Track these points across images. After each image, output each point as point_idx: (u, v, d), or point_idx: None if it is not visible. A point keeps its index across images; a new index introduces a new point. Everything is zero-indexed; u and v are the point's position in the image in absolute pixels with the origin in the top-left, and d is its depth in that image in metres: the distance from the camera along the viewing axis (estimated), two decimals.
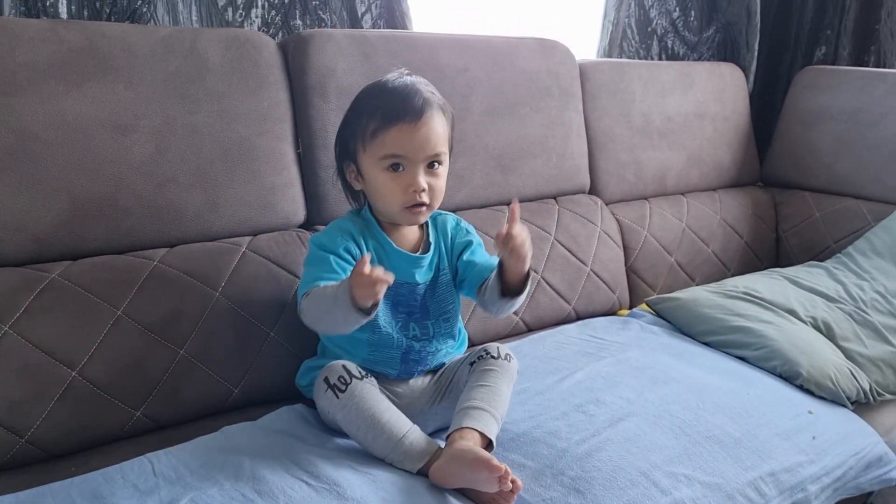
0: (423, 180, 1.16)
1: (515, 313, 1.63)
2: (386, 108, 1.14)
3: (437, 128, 1.16)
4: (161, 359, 1.20)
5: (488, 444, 1.10)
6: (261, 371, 1.29)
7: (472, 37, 1.70)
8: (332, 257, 1.16)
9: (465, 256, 1.28)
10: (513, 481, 1.02)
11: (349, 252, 1.19)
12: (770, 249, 2.22)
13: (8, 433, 1.09)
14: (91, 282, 1.19)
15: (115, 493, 0.99)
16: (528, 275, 1.17)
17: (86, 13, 1.45)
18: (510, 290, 1.17)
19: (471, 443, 1.06)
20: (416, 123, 1.14)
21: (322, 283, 1.12)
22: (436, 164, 1.18)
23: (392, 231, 1.24)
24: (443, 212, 1.30)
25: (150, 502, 0.97)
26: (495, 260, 1.22)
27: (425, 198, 1.17)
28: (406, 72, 1.22)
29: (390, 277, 1.00)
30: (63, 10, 1.42)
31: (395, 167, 1.15)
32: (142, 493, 0.99)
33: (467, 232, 1.31)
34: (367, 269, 0.99)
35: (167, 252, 1.28)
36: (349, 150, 1.20)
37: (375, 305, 1.05)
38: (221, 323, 1.26)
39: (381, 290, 1.01)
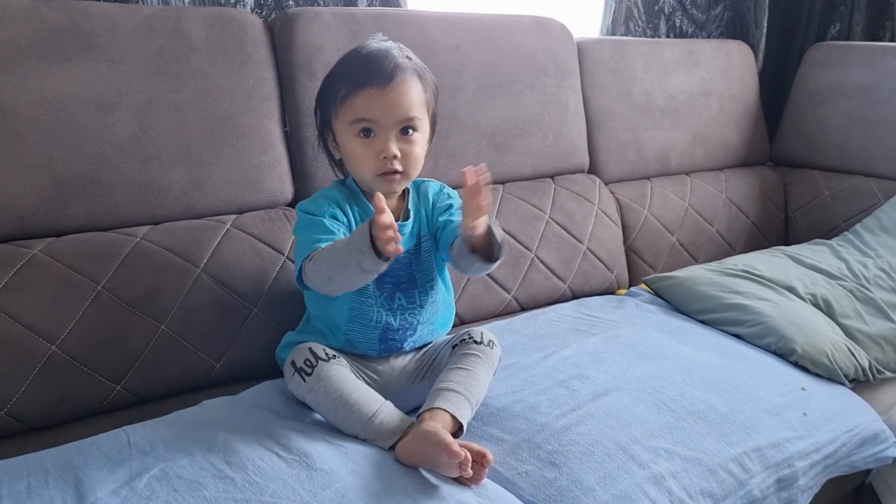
0: (394, 147, 1.13)
1: (507, 291, 1.61)
2: (356, 73, 1.13)
3: (410, 92, 1.14)
4: (142, 333, 1.21)
5: (459, 428, 1.09)
6: (243, 346, 1.29)
7: (465, 14, 1.69)
8: (324, 220, 1.15)
9: (445, 216, 1.25)
10: (483, 455, 1.01)
11: (335, 218, 1.17)
12: (779, 229, 2.18)
13: None
14: (72, 257, 1.20)
15: (87, 463, 1.00)
16: (491, 235, 1.10)
17: None
18: (477, 248, 1.13)
19: (439, 424, 1.04)
20: (386, 87, 1.12)
21: (323, 245, 1.11)
22: (410, 129, 1.15)
23: (374, 199, 1.22)
24: (426, 178, 1.29)
25: (120, 472, 0.98)
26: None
27: (397, 165, 1.14)
28: (383, 37, 1.21)
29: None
30: None
31: (365, 132, 1.14)
32: (114, 463, 1.00)
33: (449, 196, 1.28)
34: (388, 217, 0.97)
35: (150, 229, 1.29)
36: (326, 117, 1.19)
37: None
38: (203, 299, 1.26)
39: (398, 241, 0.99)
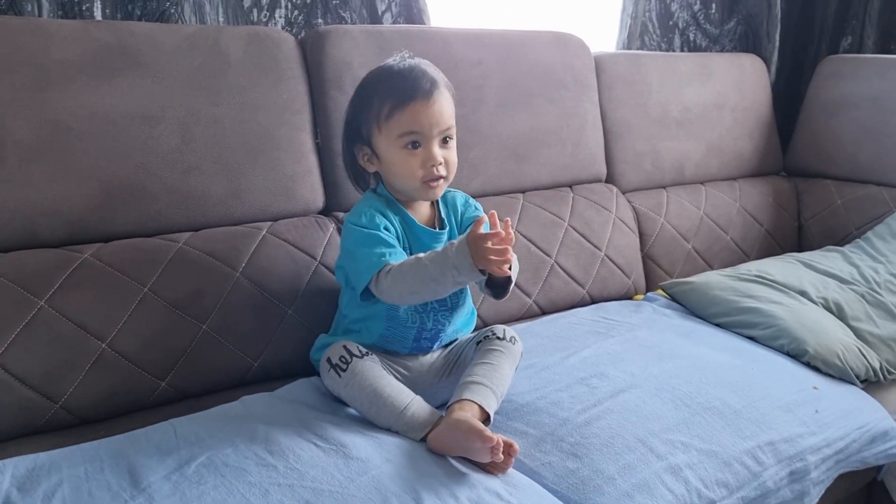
0: (439, 153, 1.22)
1: (528, 296, 1.67)
2: (399, 89, 1.21)
3: (446, 104, 1.23)
4: (185, 333, 1.28)
5: (486, 418, 1.15)
6: (279, 346, 1.36)
7: (487, 31, 1.76)
8: (381, 233, 1.22)
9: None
10: (510, 446, 1.08)
11: (387, 230, 1.24)
12: (792, 237, 2.23)
13: (43, 399, 1.18)
14: (120, 261, 1.27)
15: (139, 452, 1.06)
16: (508, 278, 1.17)
17: (119, 15, 1.54)
18: (492, 283, 1.19)
19: (468, 414, 1.11)
20: (429, 101, 1.20)
21: (390, 258, 1.17)
22: (447, 138, 1.24)
23: (409, 208, 1.29)
24: (451, 189, 1.36)
25: (169, 460, 1.04)
26: None
27: (442, 170, 1.23)
28: (408, 54, 1.28)
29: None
30: (98, 12, 1.52)
31: (414, 145, 1.22)
32: (163, 452, 1.07)
33: (476, 208, 1.36)
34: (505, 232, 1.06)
35: (192, 235, 1.36)
36: (361, 134, 1.26)
37: None
38: (241, 301, 1.33)
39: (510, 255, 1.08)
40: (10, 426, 1.16)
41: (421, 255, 1.16)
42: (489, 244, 1.05)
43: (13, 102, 1.23)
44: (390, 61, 1.26)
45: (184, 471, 1.02)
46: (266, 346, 1.35)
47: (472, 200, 1.37)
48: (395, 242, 1.22)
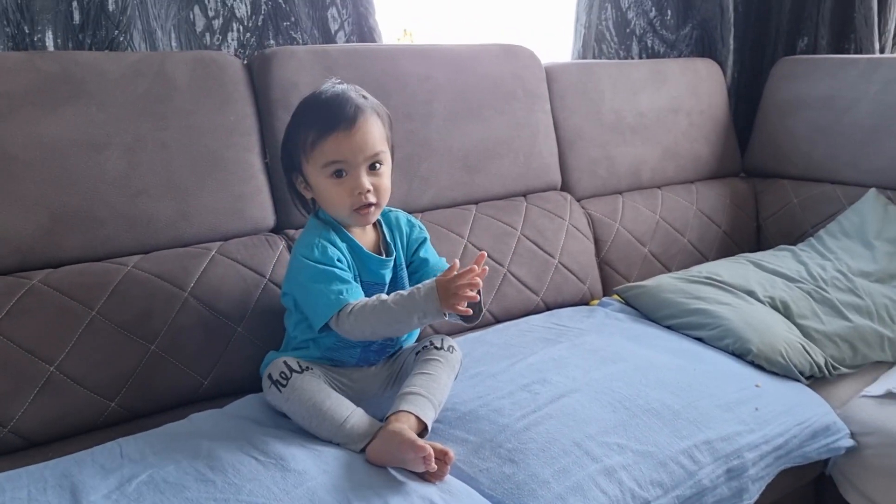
0: (366, 181, 1.24)
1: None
2: (321, 118, 1.23)
3: (373, 130, 1.25)
4: (133, 354, 1.31)
5: (424, 429, 1.17)
6: (229, 363, 1.39)
7: (434, 46, 1.80)
8: (336, 270, 1.24)
9: (421, 253, 1.37)
10: (445, 453, 1.10)
11: (339, 261, 1.26)
12: (750, 238, 2.26)
13: None
14: (68, 286, 1.30)
15: (83, 472, 1.09)
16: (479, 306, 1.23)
17: (70, 44, 1.58)
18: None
19: (405, 425, 1.13)
20: (351, 130, 1.22)
21: (348, 296, 1.21)
22: (377, 164, 1.26)
23: (354, 233, 1.31)
24: (391, 208, 1.39)
25: (111, 479, 1.07)
26: (443, 261, 1.32)
27: (371, 198, 1.25)
28: (337, 81, 1.31)
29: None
30: (50, 43, 1.55)
31: (338, 174, 1.24)
32: (107, 471, 1.09)
33: (420, 229, 1.39)
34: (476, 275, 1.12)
35: (141, 258, 1.39)
36: (294, 162, 1.29)
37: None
38: (190, 320, 1.36)
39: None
40: None
41: (384, 297, 1.20)
42: (461, 285, 1.11)
43: None
44: (321, 88, 1.29)
45: (124, 489, 1.05)
46: (216, 364, 1.38)
47: (415, 220, 1.40)
48: (349, 277, 1.25)
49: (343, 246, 1.28)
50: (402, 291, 1.20)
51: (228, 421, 1.25)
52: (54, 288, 1.29)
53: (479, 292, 1.17)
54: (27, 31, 1.52)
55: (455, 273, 1.13)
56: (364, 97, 1.28)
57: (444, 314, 1.15)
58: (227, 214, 1.49)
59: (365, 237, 1.33)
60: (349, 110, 1.23)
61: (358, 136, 1.23)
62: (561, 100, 1.98)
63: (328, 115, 1.23)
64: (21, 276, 1.30)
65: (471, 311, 1.16)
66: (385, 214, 1.37)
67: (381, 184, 1.27)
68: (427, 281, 1.17)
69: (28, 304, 1.26)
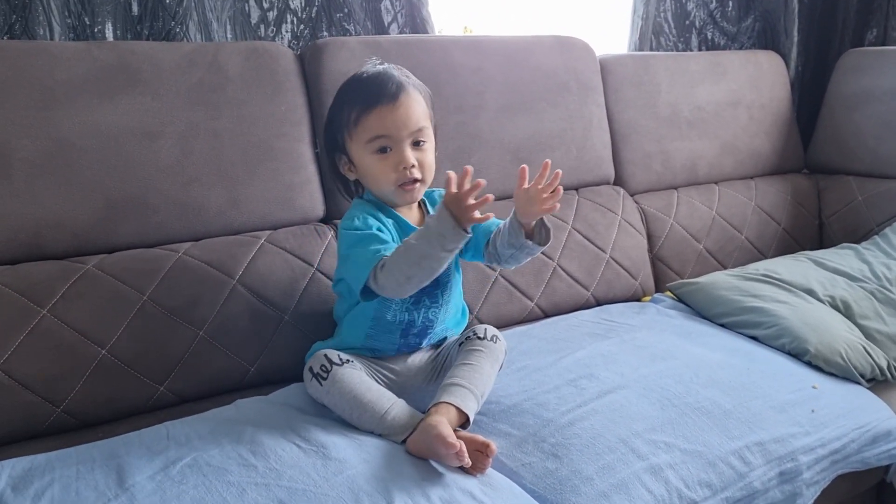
0: (411, 156, 1.24)
1: (530, 299, 1.68)
2: (364, 95, 1.24)
3: (416, 106, 1.25)
4: (182, 339, 1.33)
5: (466, 420, 1.16)
6: (275, 351, 1.40)
7: (486, 37, 1.78)
8: (374, 232, 1.23)
9: None
10: (487, 446, 1.09)
11: (380, 230, 1.25)
12: (812, 236, 2.19)
13: (46, 403, 1.23)
14: (121, 271, 1.33)
15: (129, 453, 1.11)
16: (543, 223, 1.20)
17: (129, 35, 1.61)
18: (530, 235, 1.20)
19: (443, 417, 1.12)
20: (395, 104, 1.22)
21: (385, 252, 1.19)
22: (420, 140, 1.26)
23: (402, 211, 1.31)
24: (438, 188, 1.37)
25: (157, 461, 1.09)
26: (494, 222, 1.28)
27: (416, 173, 1.24)
28: (378, 61, 1.31)
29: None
30: (109, 34, 1.59)
31: (382, 150, 1.24)
32: (153, 453, 1.11)
33: None
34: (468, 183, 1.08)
35: (192, 245, 1.41)
36: (338, 142, 1.29)
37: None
38: (238, 308, 1.37)
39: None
40: (14, 429, 1.22)
41: (407, 238, 1.18)
42: (464, 191, 1.07)
43: (19, 122, 1.30)
44: (362, 69, 1.29)
45: (168, 471, 1.06)
46: (262, 352, 1.39)
47: None
48: (388, 239, 1.24)
49: (389, 222, 1.28)
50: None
51: (272, 408, 1.26)
52: (108, 273, 1.32)
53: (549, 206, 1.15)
54: (88, 23, 1.56)
55: (454, 187, 1.09)
56: (406, 76, 1.28)
57: (465, 230, 1.10)
58: (277, 203, 1.50)
59: (411, 215, 1.32)
60: (391, 86, 1.23)
61: (402, 110, 1.23)
62: (615, 92, 1.95)
63: (371, 91, 1.24)
64: (76, 261, 1.33)
65: (491, 216, 1.11)
66: (429, 194, 1.36)
67: (426, 160, 1.27)
68: (438, 205, 1.15)
69: (82, 289, 1.29)
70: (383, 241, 1.22)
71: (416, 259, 1.13)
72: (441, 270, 1.17)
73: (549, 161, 1.15)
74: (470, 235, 1.12)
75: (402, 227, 1.29)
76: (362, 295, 1.22)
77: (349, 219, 1.28)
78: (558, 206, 1.15)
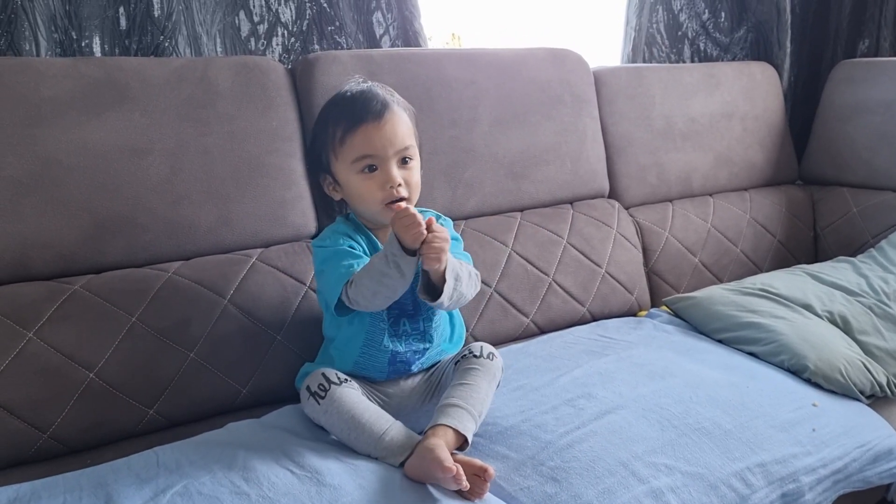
0: (397, 174, 1.22)
1: (525, 315, 1.66)
2: (349, 113, 1.22)
3: (401, 124, 1.24)
4: (172, 361, 1.30)
5: (465, 442, 1.14)
6: (268, 372, 1.37)
7: (479, 50, 1.77)
8: (344, 248, 1.23)
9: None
10: (485, 470, 1.07)
11: (351, 247, 1.25)
12: (808, 247, 2.18)
13: (31, 429, 1.20)
14: (109, 292, 1.30)
15: (118, 481, 1.08)
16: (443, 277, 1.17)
17: (117, 51, 1.58)
18: (429, 287, 1.19)
19: (441, 440, 1.09)
20: (380, 122, 1.21)
21: (357, 268, 1.18)
22: (407, 159, 1.25)
23: (379, 234, 1.30)
24: (422, 208, 1.35)
25: (147, 489, 1.06)
26: (466, 256, 1.28)
27: (403, 192, 1.23)
28: (361, 79, 1.30)
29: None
30: (97, 49, 1.56)
31: (370, 168, 1.22)
32: (142, 481, 1.08)
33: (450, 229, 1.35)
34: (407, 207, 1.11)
35: (182, 264, 1.39)
36: (322, 162, 1.28)
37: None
38: (229, 328, 1.35)
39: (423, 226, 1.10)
40: None
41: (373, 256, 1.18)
42: (400, 215, 1.10)
43: (4, 139, 1.27)
44: (344, 87, 1.28)
45: (158, 500, 1.03)
46: (254, 373, 1.37)
47: (443, 219, 1.36)
48: (359, 254, 1.23)
49: (362, 240, 1.27)
50: None
51: (265, 431, 1.23)
52: (95, 294, 1.29)
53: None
54: (75, 37, 1.54)
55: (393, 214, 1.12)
56: (390, 93, 1.27)
57: (413, 253, 1.11)
58: (269, 220, 1.48)
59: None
60: (376, 105, 1.22)
61: (387, 128, 1.22)
62: (609, 105, 1.93)
63: (356, 110, 1.22)
64: (63, 282, 1.30)
65: (422, 241, 1.11)
66: None
67: (412, 178, 1.26)
68: None
69: (69, 310, 1.26)
70: (355, 257, 1.22)
71: (378, 277, 1.14)
72: (404, 289, 1.17)
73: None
74: (416, 260, 1.13)
75: (375, 249, 1.28)
76: (337, 310, 1.22)
77: (321, 237, 1.29)
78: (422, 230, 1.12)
